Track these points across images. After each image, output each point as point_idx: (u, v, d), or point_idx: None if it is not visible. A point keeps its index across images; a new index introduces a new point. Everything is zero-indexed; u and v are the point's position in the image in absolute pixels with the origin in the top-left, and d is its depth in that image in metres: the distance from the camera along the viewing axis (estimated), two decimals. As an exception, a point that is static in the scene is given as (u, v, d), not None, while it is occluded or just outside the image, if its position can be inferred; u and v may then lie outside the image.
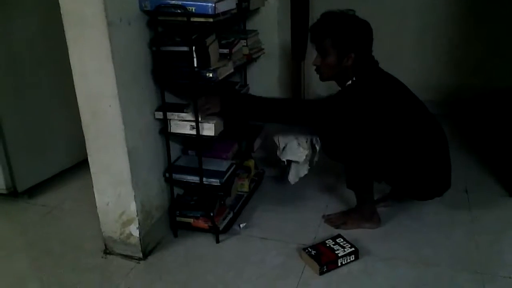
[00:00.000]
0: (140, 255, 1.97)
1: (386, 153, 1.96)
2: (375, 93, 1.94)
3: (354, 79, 1.96)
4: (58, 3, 1.65)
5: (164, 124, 1.97)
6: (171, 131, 1.97)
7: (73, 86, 1.77)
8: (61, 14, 1.66)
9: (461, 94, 3.50)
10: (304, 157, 2.10)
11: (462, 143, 2.91)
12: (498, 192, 2.42)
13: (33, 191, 2.54)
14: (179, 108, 1.97)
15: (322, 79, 2.07)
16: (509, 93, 2.86)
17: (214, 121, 1.94)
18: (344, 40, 1.93)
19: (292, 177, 2.20)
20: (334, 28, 1.95)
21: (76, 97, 1.78)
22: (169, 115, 1.94)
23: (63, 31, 1.69)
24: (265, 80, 2.48)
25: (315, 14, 3.45)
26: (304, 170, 2.18)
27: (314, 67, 2.04)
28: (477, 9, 3.27)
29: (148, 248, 2.01)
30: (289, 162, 2.15)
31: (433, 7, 3.35)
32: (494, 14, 3.24)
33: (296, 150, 2.11)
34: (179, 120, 1.94)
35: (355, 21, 1.96)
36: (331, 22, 1.96)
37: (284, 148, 2.13)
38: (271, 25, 2.39)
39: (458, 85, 3.48)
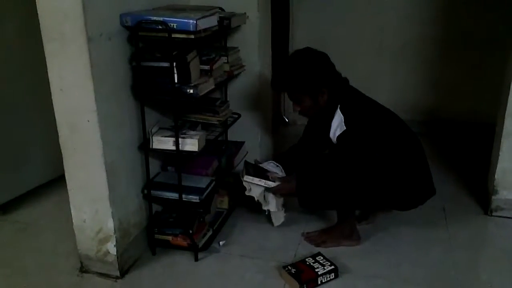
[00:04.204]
0: (117, 273, 1.93)
1: (379, 173, 1.97)
2: (367, 115, 1.99)
3: (339, 107, 1.97)
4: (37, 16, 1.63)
5: (143, 139, 1.95)
6: (153, 147, 1.94)
7: (50, 99, 1.74)
8: (39, 27, 1.64)
9: (440, 114, 3.57)
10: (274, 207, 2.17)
11: (440, 162, 2.95)
12: (475, 211, 2.45)
13: (7, 207, 2.48)
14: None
15: (309, 118, 2.19)
16: (486, 112, 2.93)
17: (198, 136, 1.93)
18: (308, 85, 1.97)
19: (275, 222, 2.26)
20: (293, 79, 1.98)
21: (53, 111, 1.75)
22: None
23: (41, 43, 1.66)
24: (246, 97, 2.49)
25: (295, 32, 3.55)
26: (281, 217, 2.25)
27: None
28: (454, 30, 3.36)
29: (126, 267, 1.97)
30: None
31: (411, 28, 3.42)
32: (471, 35, 3.33)
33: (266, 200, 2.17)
34: (162, 136, 1.93)
35: (310, 59, 1.99)
36: (288, 74, 2.00)
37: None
38: (252, 42, 2.41)
39: (436, 104, 3.55)
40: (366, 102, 2.06)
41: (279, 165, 2.25)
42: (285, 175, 2.22)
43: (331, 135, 2.00)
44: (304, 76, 1.97)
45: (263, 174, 2.18)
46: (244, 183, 2.15)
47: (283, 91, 2.12)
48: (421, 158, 2.10)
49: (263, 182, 2.13)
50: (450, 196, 2.57)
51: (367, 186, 1.96)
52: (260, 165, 2.27)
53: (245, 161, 2.29)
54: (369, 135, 1.94)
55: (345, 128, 1.93)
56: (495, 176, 2.33)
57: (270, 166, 2.25)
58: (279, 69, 2.08)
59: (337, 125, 1.96)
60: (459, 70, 3.43)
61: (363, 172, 1.94)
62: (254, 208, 2.39)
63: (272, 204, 2.18)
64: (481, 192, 2.56)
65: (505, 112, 2.24)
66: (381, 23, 3.46)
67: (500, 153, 2.30)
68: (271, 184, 2.12)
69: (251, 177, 2.13)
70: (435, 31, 3.39)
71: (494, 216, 2.38)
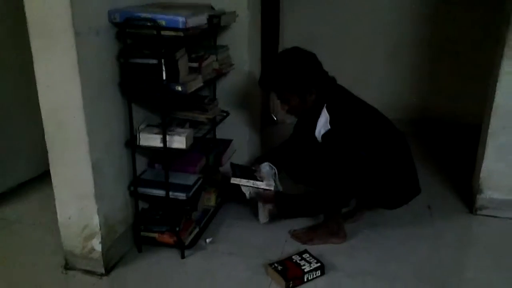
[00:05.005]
0: (103, 270, 1.92)
1: (364, 172, 1.98)
2: (352, 114, 2.00)
3: (325, 106, 1.98)
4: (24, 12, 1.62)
5: (130, 136, 1.94)
6: (140, 144, 1.94)
7: (36, 95, 1.72)
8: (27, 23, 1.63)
9: (427, 114, 3.60)
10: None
11: (426, 161, 2.98)
12: (460, 209, 2.48)
13: (-8, 204, 2.46)
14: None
15: (297, 117, 2.19)
16: (472, 113, 2.97)
17: (186, 134, 1.92)
18: (296, 84, 1.98)
19: (261, 218, 2.27)
20: (281, 78, 1.99)
21: (38, 107, 1.74)
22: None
23: (27, 39, 1.65)
24: (235, 95, 2.49)
25: (285, 30, 3.56)
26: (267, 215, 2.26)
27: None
28: (442, 31, 3.40)
29: (111, 264, 1.96)
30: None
31: (401, 28, 3.46)
32: (460, 37, 3.37)
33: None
34: (150, 133, 1.92)
35: (297, 59, 2.00)
36: (276, 73, 2.00)
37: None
38: (241, 41, 2.41)
39: (424, 104, 3.58)
40: (352, 102, 2.07)
41: (274, 168, 2.24)
42: (277, 177, 2.20)
43: (316, 133, 2.01)
44: (292, 76, 1.97)
45: (250, 174, 2.18)
46: (242, 188, 2.15)
47: (270, 91, 2.12)
48: (407, 157, 2.12)
49: (251, 183, 2.14)
50: (436, 195, 2.60)
51: (351, 185, 1.97)
52: (254, 168, 2.25)
53: (231, 163, 2.28)
54: (353, 135, 1.95)
55: (329, 127, 1.94)
56: (480, 175, 2.36)
57: (266, 170, 2.22)
58: (266, 69, 2.08)
59: (322, 124, 1.97)
60: (447, 71, 3.47)
61: (346, 172, 1.95)
62: (241, 206, 2.40)
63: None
64: (466, 191, 2.58)
65: (490, 112, 2.27)
66: (372, 22, 3.49)
67: (485, 153, 2.33)
68: (259, 184, 2.13)
69: (238, 179, 2.14)
70: (425, 32, 3.42)
71: (478, 214, 2.41)
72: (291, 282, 1.84)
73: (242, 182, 2.14)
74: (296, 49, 2.04)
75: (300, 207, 2.09)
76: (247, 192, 2.17)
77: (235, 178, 2.15)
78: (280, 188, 2.17)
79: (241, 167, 2.26)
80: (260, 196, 2.14)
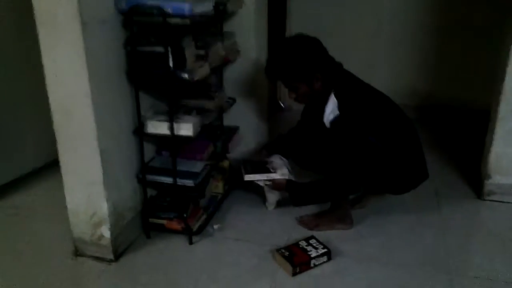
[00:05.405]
0: (112, 256, 1.94)
1: (373, 158, 1.98)
2: (361, 100, 1.99)
3: (333, 92, 1.97)
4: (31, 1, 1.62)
5: (138, 124, 1.95)
6: (148, 131, 1.95)
7: (44, 84, 1.73)
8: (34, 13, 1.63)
9: (435, 100, 3.57)
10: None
11: (434, 147, 2.97)
12: (467, 195, 2.48)
13: (1, 192, 2.48)
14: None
15: (305, 104, 2.20)
16: (481, 98, 2.95)
17: (193, 121, 1.93)
18: (302, 72, 1.97)
19: (269, 205, 2.32)
20: (287, 67, 1.98)
21: (46, 95, 1.75)
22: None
23: (35, 29, 1.65)
24: (242, 82, 2.49)
25: (292, 17, 3.53)
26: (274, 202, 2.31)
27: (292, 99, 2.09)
28: (451, 17, 3.35)
29: (120, 250, 1.99)
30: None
31: (409, 14, 3.42)
32: (468, 22, 3.32)
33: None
34: (157, 121, 1.93)
35: (301, 46, 1.98)
36: (281, 62, 1.99)
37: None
38: (248, 27, 2.40)
39: (432, 90, 3.56)
40: (360, 87, 2.06)
41: (284, 159, 2.25)
42: (290, 169, 2.22)
43: (324, 119, 2.01)
44: (297, 63, 1.96)
45: (262, 168, 2.19)
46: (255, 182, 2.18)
47: (277, 80, 2.11)
48: (415, 142, 2.11)
49: (265, 176, 2.15)
50: (443, 181, 2.59)
51: (361, 171, 1.97)
52: (268, 159, 2.26)
53: (242, 161, 2.29)
54: (362, 120, 1.94)
55: (338, 113, 1.93)
56: (489, 160, 2.35)
57: (277, 161, 2.24)
58: (271, 58, 2.06)
59: (330, 110, 1.97)
60: (455, 57, 3.43)
61: (356, 158, 1.95)
62: (249, 193, 2.41)
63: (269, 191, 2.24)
64: (474, 177, 2.58)
65: (499, 98, 2.25)
66: (379, 8, 3.45)
67: (494, 138, 2.31)
68: (273, 175, 2.14)
69: (252, 175, 2.16)
70: (432, 18, 3.38)
71: (486, 200, 2.40)
72: (297, 268, 1.86)
73: (256, 177, 2.16)
74: (299, 35, 2.02)
75: (312, 194, 2.09)
76: (260, 183, 2.19)
77: (248, 175, 2.16)
78: (293, 177, 2.18)
79: (252, 162, 2.27)
80: (272, 184, 2.16)
